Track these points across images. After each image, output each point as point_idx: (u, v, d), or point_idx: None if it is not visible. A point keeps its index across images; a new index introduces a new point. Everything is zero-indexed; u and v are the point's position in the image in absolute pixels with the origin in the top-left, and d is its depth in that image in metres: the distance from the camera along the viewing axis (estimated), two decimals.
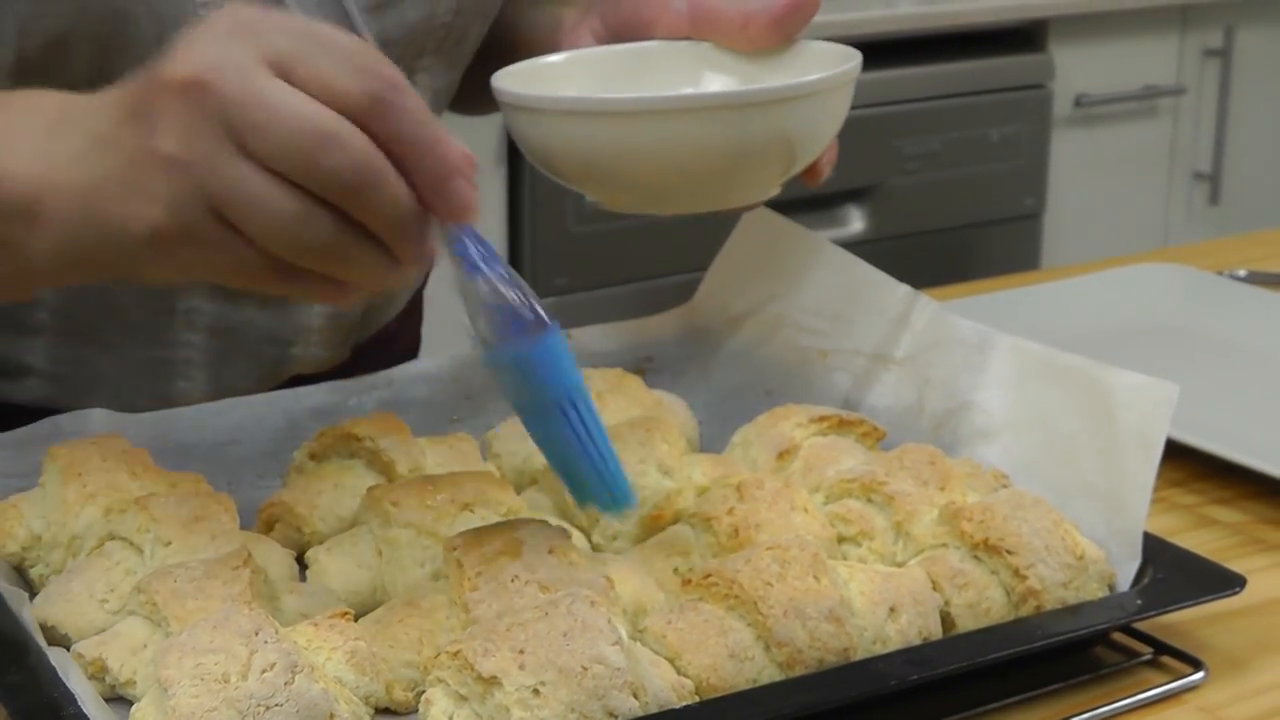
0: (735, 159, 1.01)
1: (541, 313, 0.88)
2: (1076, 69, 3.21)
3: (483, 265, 0.87)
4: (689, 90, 1.13)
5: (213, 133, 0.78)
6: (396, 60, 1.18)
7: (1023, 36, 3.18)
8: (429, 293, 1.46)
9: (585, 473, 0.93)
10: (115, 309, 1.19)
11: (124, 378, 1.22)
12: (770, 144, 1.02)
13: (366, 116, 0.79)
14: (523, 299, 0.88)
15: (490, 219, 2.63)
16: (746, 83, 1.12)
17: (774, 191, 1.09)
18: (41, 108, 0.88)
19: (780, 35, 1.11)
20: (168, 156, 0.79)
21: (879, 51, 2.99)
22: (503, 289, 0.87)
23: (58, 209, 0.84)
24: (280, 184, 0.78)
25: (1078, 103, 3.24)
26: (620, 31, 1.17)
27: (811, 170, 1.10)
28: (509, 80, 1.06)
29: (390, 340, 1.36)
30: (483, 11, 1.26)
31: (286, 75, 0.78)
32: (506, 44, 1.26)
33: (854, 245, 1.30)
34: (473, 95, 1.33)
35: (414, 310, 1.43)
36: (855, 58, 1.07)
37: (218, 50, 0.79)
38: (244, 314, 1.21)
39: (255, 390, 1.23)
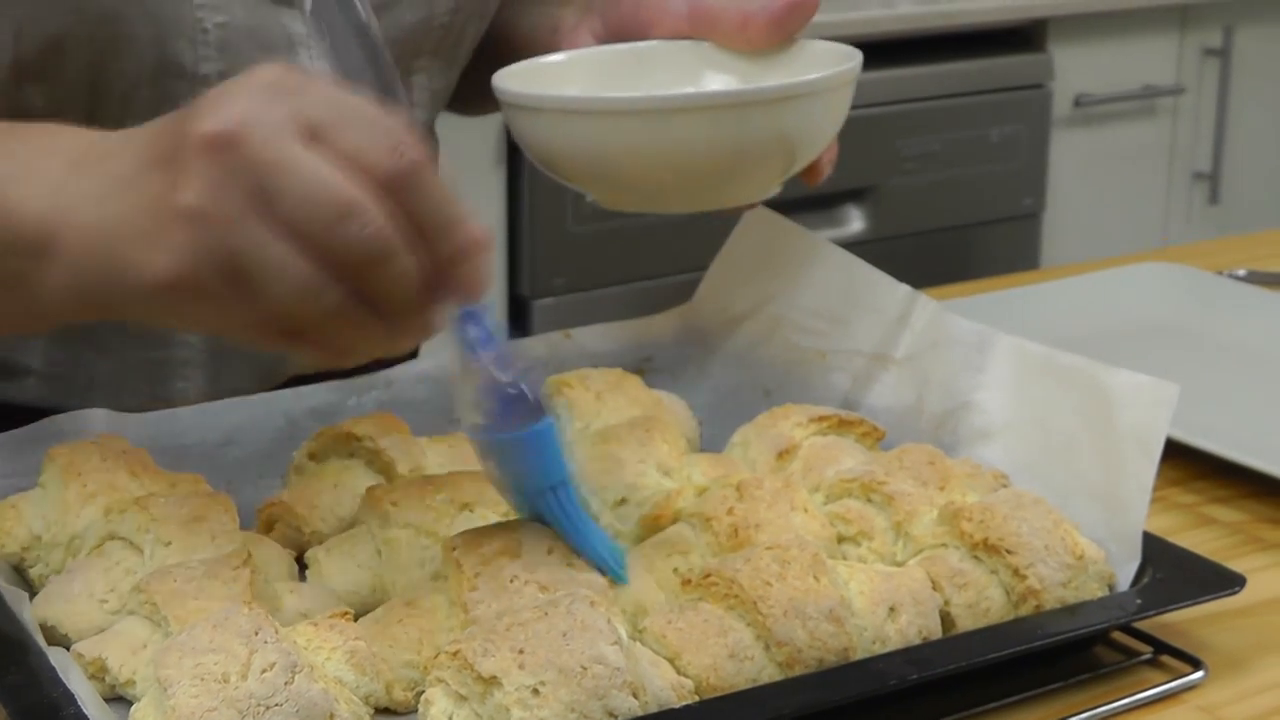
0: (734, 158, 1.02)
1: (538, 400, 0.91)
2: (1076, 69, 3.21)
3: (484, 347, 0.89)
4: (690, 89, 1.13)
5: (237, 191, 0.77)
6: (394, 61, 1.19)
7: (1022, 36, 3.18)
8: None
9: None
10: None
11: (121, 379, 1.21)
12: (769, 143, 1.02)
13: (391, 191, 0.78)
14: (521, 383, 0.90)
15: (489, 219, 2.63)
16: (746, 82, 1.12)
17: (774, 191, 1.09)
18: (62, 145, 0.87)
19: (779, 35, 1.11)
20: (189, 209, 0.78)
21: (878, 51, 2.98)
22: (502, 373, 0.90)
23: (72, 247, 0.83)
24: (296, 249, 0.77)
25: (1077, 102, 3.24)
26: (620, 32, 1.17)
27: (811, 169, 1.10)
28: (511, 80, 1.07)
29: None
30: (480, 11, 1.26)
31: (317, 142, 0.78)
32: (504, 45, 1.26)
33: (853, 245, 1.30)
34: (470, 96, 1.33)
35: None
36: (855, 57, 1.07)
37: (252, 108, 0.78)
38: None
39: (254, 391, 1.23)
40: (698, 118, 1.00)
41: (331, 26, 0.92)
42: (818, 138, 1.06)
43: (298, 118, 0.78)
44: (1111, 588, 1.00)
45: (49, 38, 1.06)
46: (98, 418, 1.10)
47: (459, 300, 0.84)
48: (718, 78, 1.14)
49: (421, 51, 1.22)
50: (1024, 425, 1.11)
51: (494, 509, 1.01)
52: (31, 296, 0.86)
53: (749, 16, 1.11)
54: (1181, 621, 1.00)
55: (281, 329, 0.81)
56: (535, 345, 1.25)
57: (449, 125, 1.39)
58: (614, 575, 0.95)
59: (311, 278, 0.78)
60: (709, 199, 1.07)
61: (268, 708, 0.81)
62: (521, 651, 0.83)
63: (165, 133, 0.81)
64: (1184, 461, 1.22)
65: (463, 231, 0.80)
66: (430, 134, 1.35)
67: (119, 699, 0.90)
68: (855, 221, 3.02)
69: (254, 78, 0.80)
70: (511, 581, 0.91)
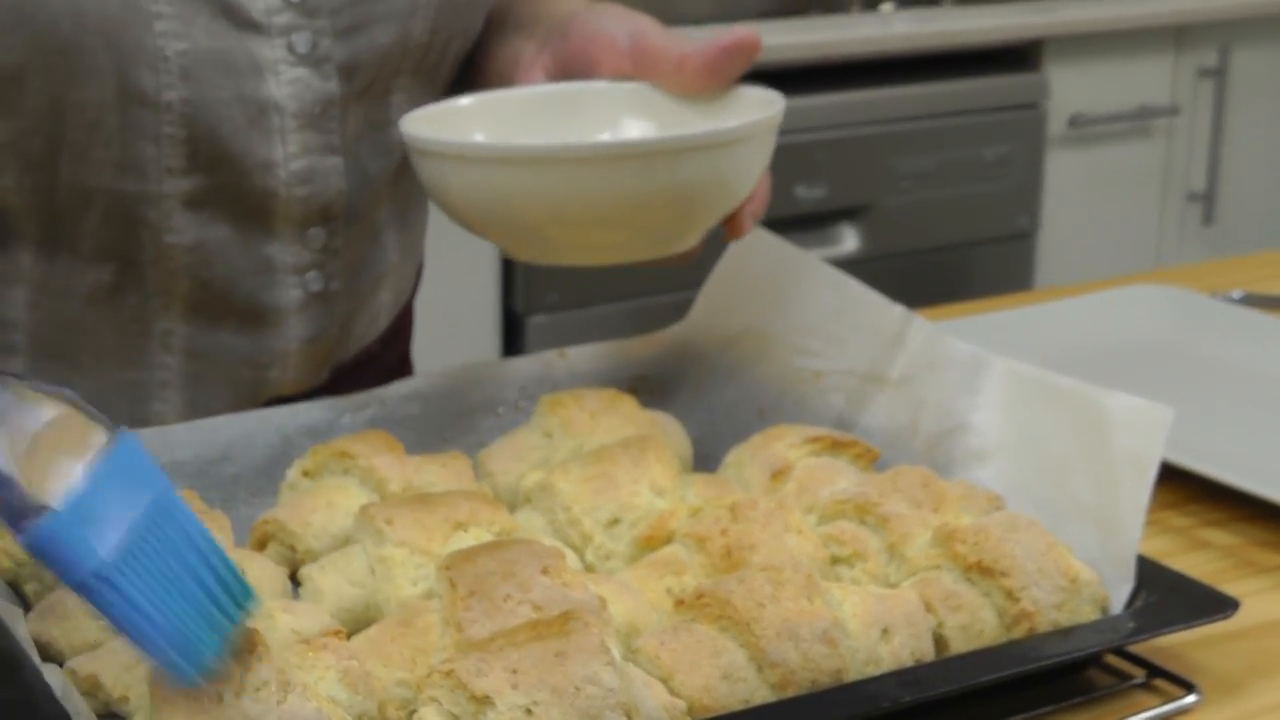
0: (631, 210, 0.98)
1: (29, 501, 0.76)
2: (1071, 89, 3.22)
3: None
4: (605, 137, 1.09)
5: None
6: (370, 82, 1.17)
7: (1017, 56, 3.19)
8: (416, 305, 1.46)
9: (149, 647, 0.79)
10: (88, 331, 1.18)
11: (100, 399, 1.20)
12: (664, 195, 0.98)
13: None
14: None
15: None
16: (665, 129, 1.07)
17: (687, 244, 1.05)
18: None
19: (714, 80, 1.09)
20: None
21: (873, 70, 2.99)
22: None
23: None
24: None
25: (1072, 122, 3.24)
26: (569, 68, 1.15)
27: (731, 222, 1.07)
28: (419, 124, 1.04)
29: (372, 361, 1.35)
30: (463, 29, 1.24)
31: None
32: (480, 74, 1.25)
33: (848, 264, 1.30)
34: None
35: (399, 332, 1.41)
36: (772, 107, 1.03)
37: None
38: (219, 338, 1.20)
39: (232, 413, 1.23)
40: (582, 168, 0.96)
41: None
42: (723, 191, 1.02)
43: None
44: (1105, 610, 1.00)
45: (7, 68, 1.05)
46: None
47: None
48: (637, 124, 1.11)
49: (401, 71, 1.20)
50: (1018, 447, 1.11)
51: (488, 528, 1.02)
52: None
53: (685, 58, 1.09)
54: (1175, 645, 1.01)
55: None
56: (529, 364, 1.25)
57: None
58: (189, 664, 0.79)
59: None
60: (615, 252, 1.03)
61: None
62: (515, 671, 0.83)
63: None
64: (1178, 484, 1.22)
65: None
66: None
67: (112, 715, 0.89)
68: (849, 240, 3.02)
69: None
70: (505, 601, 0.91)
